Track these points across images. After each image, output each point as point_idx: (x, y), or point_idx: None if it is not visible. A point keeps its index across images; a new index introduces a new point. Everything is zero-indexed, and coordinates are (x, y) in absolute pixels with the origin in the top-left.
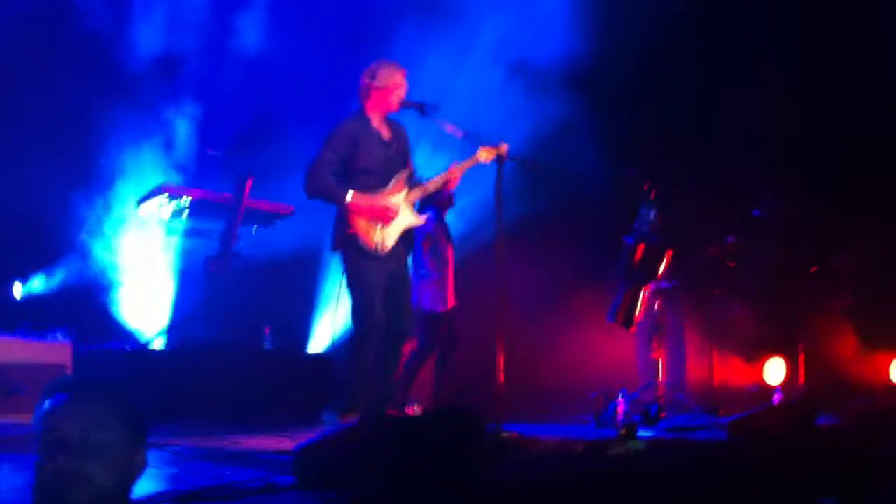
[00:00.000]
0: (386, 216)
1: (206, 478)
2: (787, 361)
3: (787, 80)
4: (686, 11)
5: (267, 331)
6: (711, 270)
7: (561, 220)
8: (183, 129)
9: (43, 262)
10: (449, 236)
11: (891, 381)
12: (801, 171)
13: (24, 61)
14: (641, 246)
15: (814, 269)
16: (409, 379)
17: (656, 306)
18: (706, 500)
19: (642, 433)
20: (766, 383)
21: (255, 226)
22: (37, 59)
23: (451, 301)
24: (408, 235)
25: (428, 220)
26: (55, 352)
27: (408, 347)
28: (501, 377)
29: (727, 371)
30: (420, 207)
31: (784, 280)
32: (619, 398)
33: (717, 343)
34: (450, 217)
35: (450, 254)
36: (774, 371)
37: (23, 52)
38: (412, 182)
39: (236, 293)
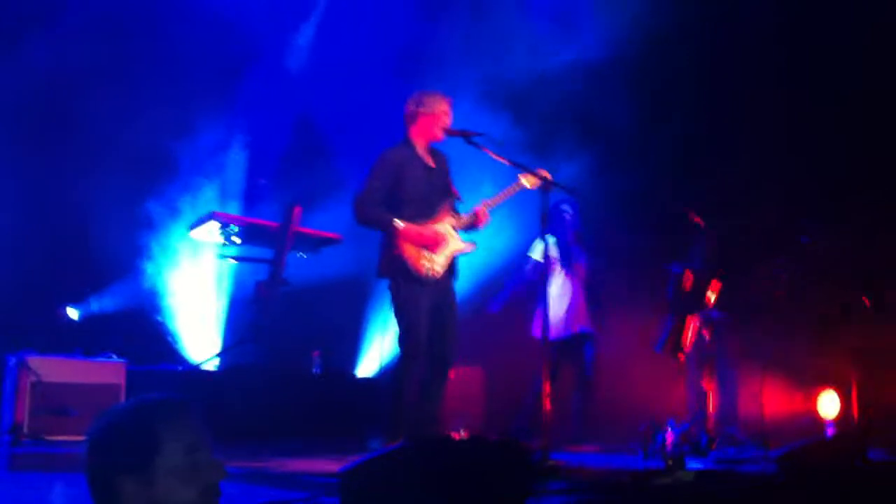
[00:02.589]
0: (435, 243)
1: (253, 497)
2: (840, 395)
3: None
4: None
5: (316, 355)
6: (760, 301)
7: (606, 248)
8: (233, 157)
9: (97, 285)
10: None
11: None
12: (843, 201)
13: (88, 90)
14: (689, 274)
15: (867, 300)
16: (534, 413)
17: (706, 336)
18: None
19: (691, 465)
20: (819, 417)
21: (304, 252)
22: (96, 88)
23: (564, 329)
24: (455, 263)
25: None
26: (110, 372)
27: (452, 374)
28: (548, 404)
29: (778, 403)
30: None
31: (835, 311)
32: (667, 429)
33: (768, 375)
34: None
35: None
36: (828, 404)
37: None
38: (457, 209)
39: (286, 318)
